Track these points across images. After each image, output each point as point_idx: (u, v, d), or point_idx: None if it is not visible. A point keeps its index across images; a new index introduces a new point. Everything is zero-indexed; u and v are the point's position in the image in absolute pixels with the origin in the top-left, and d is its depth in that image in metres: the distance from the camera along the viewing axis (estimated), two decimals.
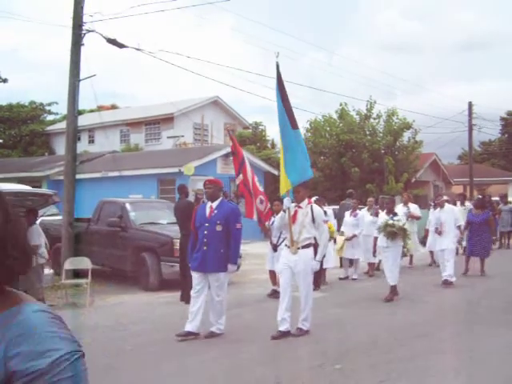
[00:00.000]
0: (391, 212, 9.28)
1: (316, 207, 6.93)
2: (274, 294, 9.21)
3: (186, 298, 8.87)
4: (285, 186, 6.75)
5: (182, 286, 8.68)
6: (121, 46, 11.77)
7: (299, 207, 6.73)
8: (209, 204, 6.68)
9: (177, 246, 9.68)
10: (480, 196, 15.73)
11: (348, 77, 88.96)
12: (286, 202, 6.65)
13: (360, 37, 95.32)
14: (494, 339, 6.31)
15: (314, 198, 11.66)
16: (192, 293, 6.52)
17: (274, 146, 30.09)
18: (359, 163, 24.79)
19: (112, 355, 5.94)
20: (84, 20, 11.44)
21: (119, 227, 10.96)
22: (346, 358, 5.67)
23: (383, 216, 9.35)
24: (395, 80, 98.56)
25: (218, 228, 6.48)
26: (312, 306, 6.73)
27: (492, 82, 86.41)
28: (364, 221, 11.62)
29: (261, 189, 9.16)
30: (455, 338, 6.66)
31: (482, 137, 40.65)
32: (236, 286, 10.51)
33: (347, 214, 11.85)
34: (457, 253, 11.37)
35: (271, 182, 21.58)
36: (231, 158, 9.66)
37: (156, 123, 30.38)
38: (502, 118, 44.67)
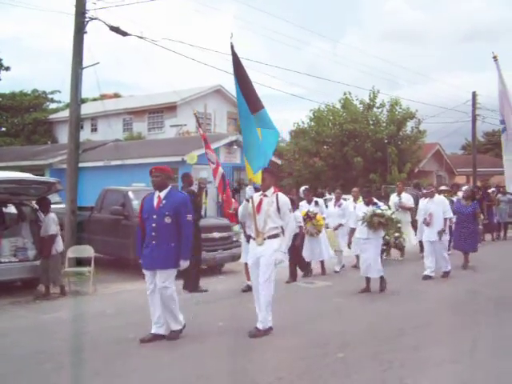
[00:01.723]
0: (371, 203, 8.89)
1: (282, 196, 6.37)
2: (249, 290, 8.93)
3: (188, 287, 8.89)
4: (249, 173, 6.45)
5: (185, 274, 8.66)
6: (124, 33, 11.69)
7: (264, 196, 6.30)
8: (156, 194, 6.12)
9: None
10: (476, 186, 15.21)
11: (352, 66, 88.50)
12: (249, 190, 6.31)
13: (364, 26, 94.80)
14: (496, 330, 6.33)
15: (302, 188, 11.53)
16: (148, 293, 6.07)
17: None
18: (362, 153, 24.74)
19: (115, 343, 5.96)
20: (87, 7, 11.37)
21: (122, 215, 10.96)
22: (349, 347, 5.68)
23: (363, 207, 8.97)
24: (399, 69, 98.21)
25: (167, 220, 5.92)
26: (271, 303, 6.17)
27: (496, 72, 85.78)
28: (349, 211, 11.50)
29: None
30: (457, 328, 6.65)
31: (486, 127, 40.28)
32: (234, 275, 10.53)
33: (331, 204, 11.73)
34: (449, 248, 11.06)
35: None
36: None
37: (159, 112, 30.34)
38: None
